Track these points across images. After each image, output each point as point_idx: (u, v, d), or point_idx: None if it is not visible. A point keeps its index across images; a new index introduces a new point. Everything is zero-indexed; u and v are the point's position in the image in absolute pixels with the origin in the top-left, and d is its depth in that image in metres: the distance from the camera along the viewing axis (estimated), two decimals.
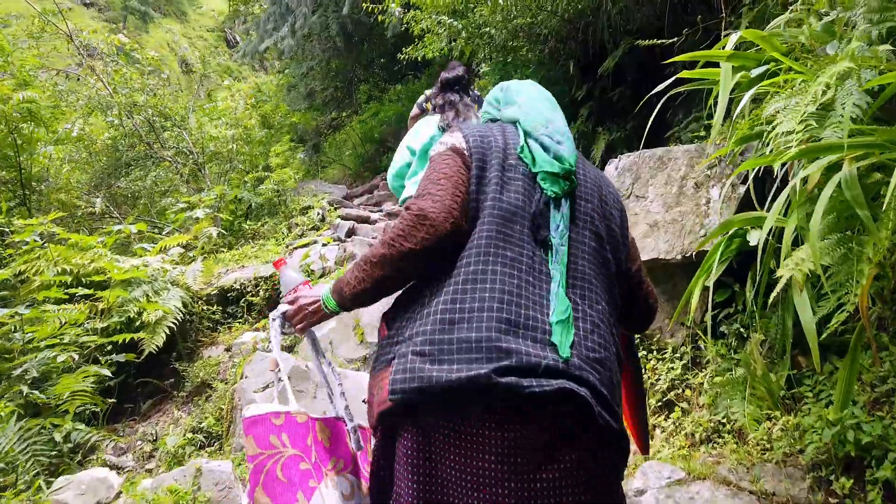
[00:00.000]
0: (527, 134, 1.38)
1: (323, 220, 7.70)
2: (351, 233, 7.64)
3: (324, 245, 5.99)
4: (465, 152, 1.35)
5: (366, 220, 8.09)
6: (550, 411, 1.13)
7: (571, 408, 1.13)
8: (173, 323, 4.81)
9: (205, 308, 5.55)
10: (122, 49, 8.49)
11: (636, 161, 3.92)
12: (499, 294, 1.17)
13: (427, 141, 2.28)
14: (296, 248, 6.38)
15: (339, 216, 7.88)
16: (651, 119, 3.03)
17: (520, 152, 1.35)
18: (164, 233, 7.10)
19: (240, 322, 5.59)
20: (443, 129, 2.27)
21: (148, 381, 4.92)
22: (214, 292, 5.70)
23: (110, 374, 4.20)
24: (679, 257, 3.29)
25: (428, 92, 3.98)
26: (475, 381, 1.08)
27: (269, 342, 1.98)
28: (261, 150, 9.09)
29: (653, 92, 3.03)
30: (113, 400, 4.45)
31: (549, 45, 6.17)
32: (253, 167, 8.62)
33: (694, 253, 3.19)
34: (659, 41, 4.08)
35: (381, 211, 8.91)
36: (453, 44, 6.85)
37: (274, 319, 1.48)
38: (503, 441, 1.11)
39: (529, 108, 1.45)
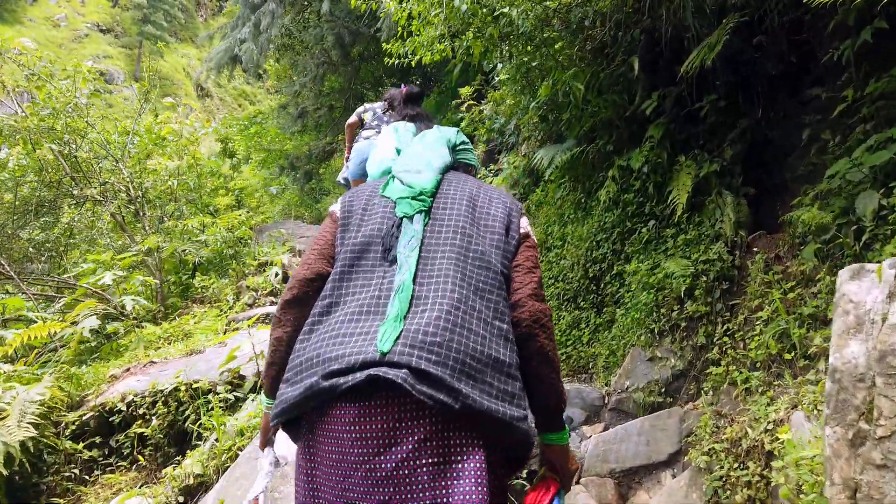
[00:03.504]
0: (393, 176, 1.63)
1: (285, 280, 5.71)
2: None
3: (255, 330, 3.96)
4: (337, 213, 1.60)
5: None
6: (382, 400, 1.23)
7: (396, 392, 1.21)
8: None
9: (68, 445, 3.56)
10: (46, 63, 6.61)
11: None
12: (339, 320, 1.35)
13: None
14: (230, 334, 4.38)
15: None
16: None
17: (381, 192, 1.58)
18: (57, 305, 5.19)
19: (125, 465, 3.58)
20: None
21: None
22: (89, 415, 3.71)
23: None
24: None
25: (367, 105, 4.96)
26: (309, 389, 1.27)
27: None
28: (218, 185, 7.18)
29: None
30: None
31: (596, 34, 4.20)
32: (204, 207, 6.70)
33: None
34: None
35: None
36: (456, 41, 4.90)
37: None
38: (350, 433, 1.23)
39: (404, 156, 1.74)
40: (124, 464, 3.60)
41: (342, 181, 6.45)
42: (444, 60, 6.04)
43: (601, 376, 3.52)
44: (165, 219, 6.63)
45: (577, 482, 2.62)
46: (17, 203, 5.99)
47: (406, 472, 1.20)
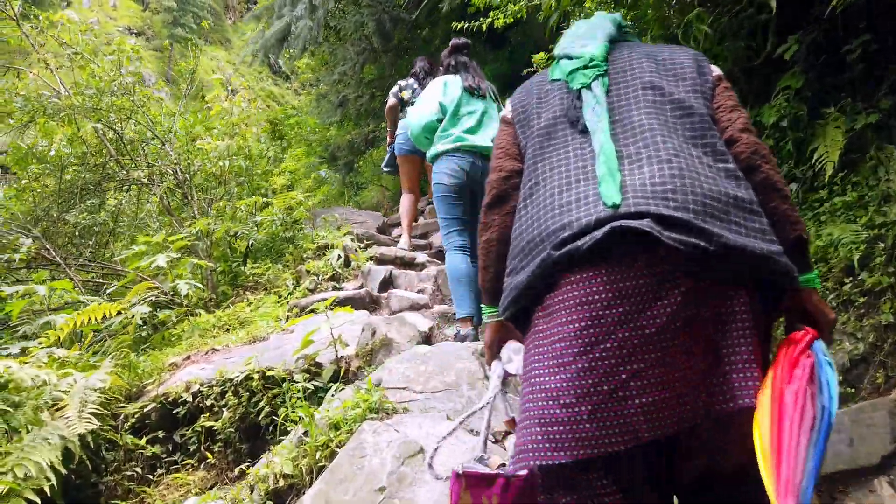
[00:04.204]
0: (557, 58, 1.57)
1: (347, 264, 5.28)
2: (387, 283, 5.20)
3: (332, 312, 3.48)
4: (509, 115, 1.57)
5: (409, 264, 5.63)
6: (631, 254, 1.15)
7: (643, 243, 1.14)
8: (34, 497, 2.43)
9: (129, 440, 3.15)
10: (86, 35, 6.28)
11: None
12: (548, 195, 1.30)
13: (456, 102, 3.55)
14: (294, 320, 3.95)
15: (370, 258, 5.46)
16: None
17: (551, 77, 1.53)
18: (105, 292, 4.83)
19: (192, 463, 3.17)
20: (468, 90, 3.62)
21: None
22: (150, 407, 3.30)
23: None
24: None
25: (401, 83, 5.84)
26: (542, 263, 1.22)
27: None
28: (267, 168, 6.80)
29: None
30: None
31: None
32: (254, 190, 6.31)
33: None
34: None
35: (428, 248, 6.45)
36: None
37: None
38: (604, 295, 1.13)
39: (565, 39, 1.62)
40: (191, 461, 3.18)
41: (387, 169, 6.32)
42: (488, 44, 5.62)
43: None
44: (213, 202, 6.25)
45: None
46: (61, 186, 5.66)
47: (679, 324, 1.11)
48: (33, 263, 5.21)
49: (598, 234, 1.14)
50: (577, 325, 1.14)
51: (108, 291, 5.20)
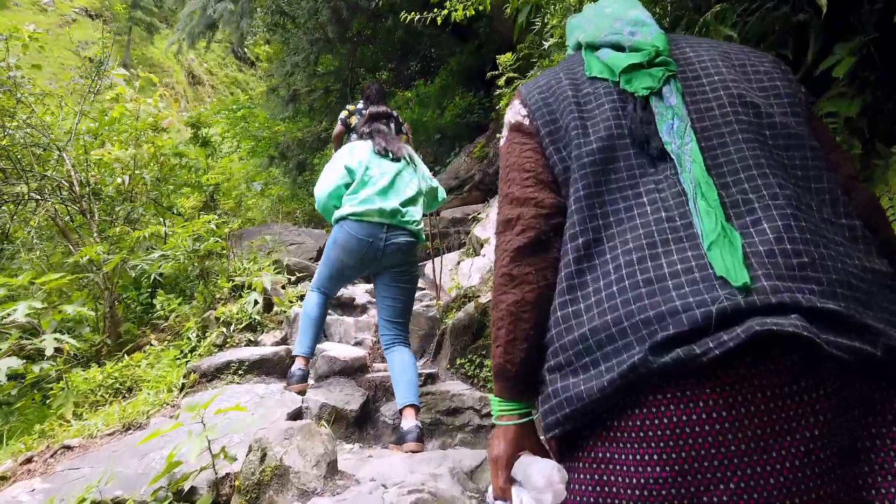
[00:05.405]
0: (589, 47, 1.10)
1: (269, 308, 4.32)
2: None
3: (212, 414, 2.55)
4: (525, 121, 1.09)
5: (346, 305, 4.67)
6: (760, 365, 0.76)
7: (783, 352, 0.76)
8: None
9: None
10: None
11: None
12: (625, 262, 0.87)
13: (365, 164, 3.22)
14: (155, 433, 3.02)
15: (299, 298, 4.49)
16: None
17: (588, 73, 1.07)
18: None
19: None
20: (378, 153, 3.28)
21: None
22: None
23: None
24: None
25: (350, 107, 5.55)
26: (629, 372, 0.78)
27: None
28: (189, 180, 5.75)
29: None
30: None
31: None
32: (165, 211, 5.28)
33: None
34: None
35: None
36: None
37: None
38: (707, 428, 0.75)
39: (589, 20, 1.16)
40: None
41: None
42: (454, 36, 4.77)
43: None
44: (115, 223, 5.22)
45: None
46: None
47: (821, 468, 0.74)
48: None
49: (730, 340, 0.74)
50: (667, 467, 0.75)
51: None
